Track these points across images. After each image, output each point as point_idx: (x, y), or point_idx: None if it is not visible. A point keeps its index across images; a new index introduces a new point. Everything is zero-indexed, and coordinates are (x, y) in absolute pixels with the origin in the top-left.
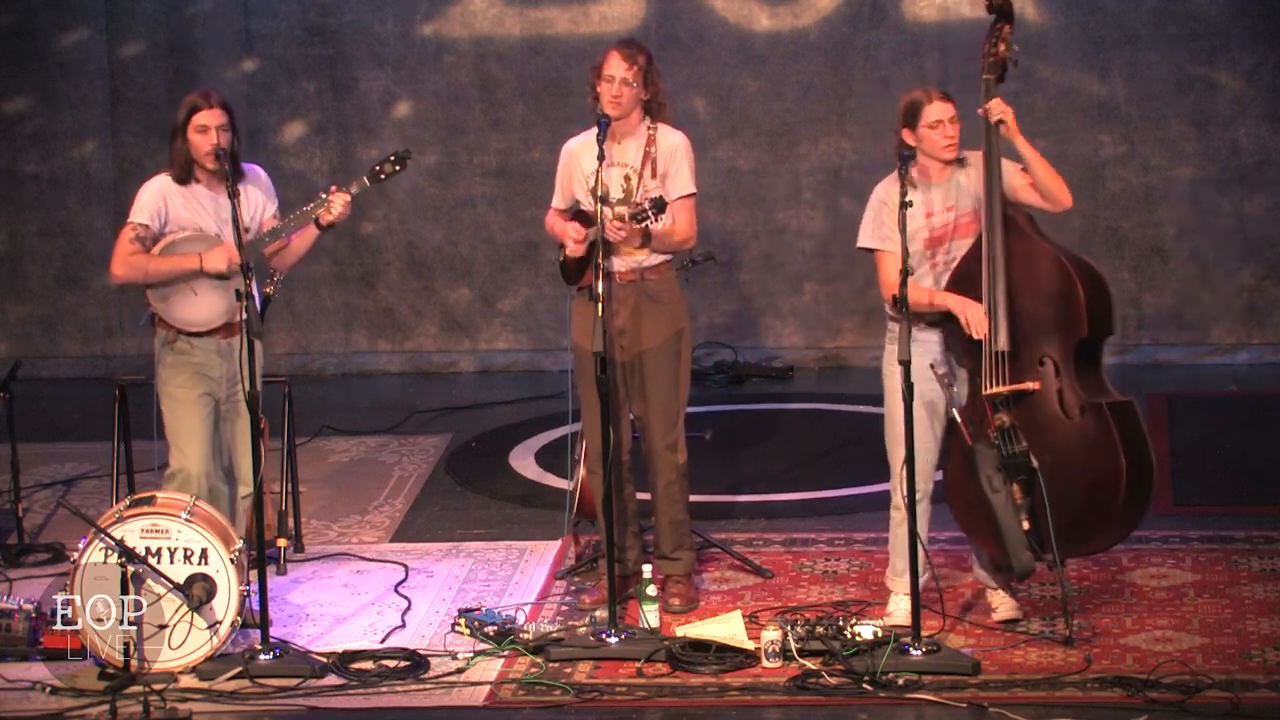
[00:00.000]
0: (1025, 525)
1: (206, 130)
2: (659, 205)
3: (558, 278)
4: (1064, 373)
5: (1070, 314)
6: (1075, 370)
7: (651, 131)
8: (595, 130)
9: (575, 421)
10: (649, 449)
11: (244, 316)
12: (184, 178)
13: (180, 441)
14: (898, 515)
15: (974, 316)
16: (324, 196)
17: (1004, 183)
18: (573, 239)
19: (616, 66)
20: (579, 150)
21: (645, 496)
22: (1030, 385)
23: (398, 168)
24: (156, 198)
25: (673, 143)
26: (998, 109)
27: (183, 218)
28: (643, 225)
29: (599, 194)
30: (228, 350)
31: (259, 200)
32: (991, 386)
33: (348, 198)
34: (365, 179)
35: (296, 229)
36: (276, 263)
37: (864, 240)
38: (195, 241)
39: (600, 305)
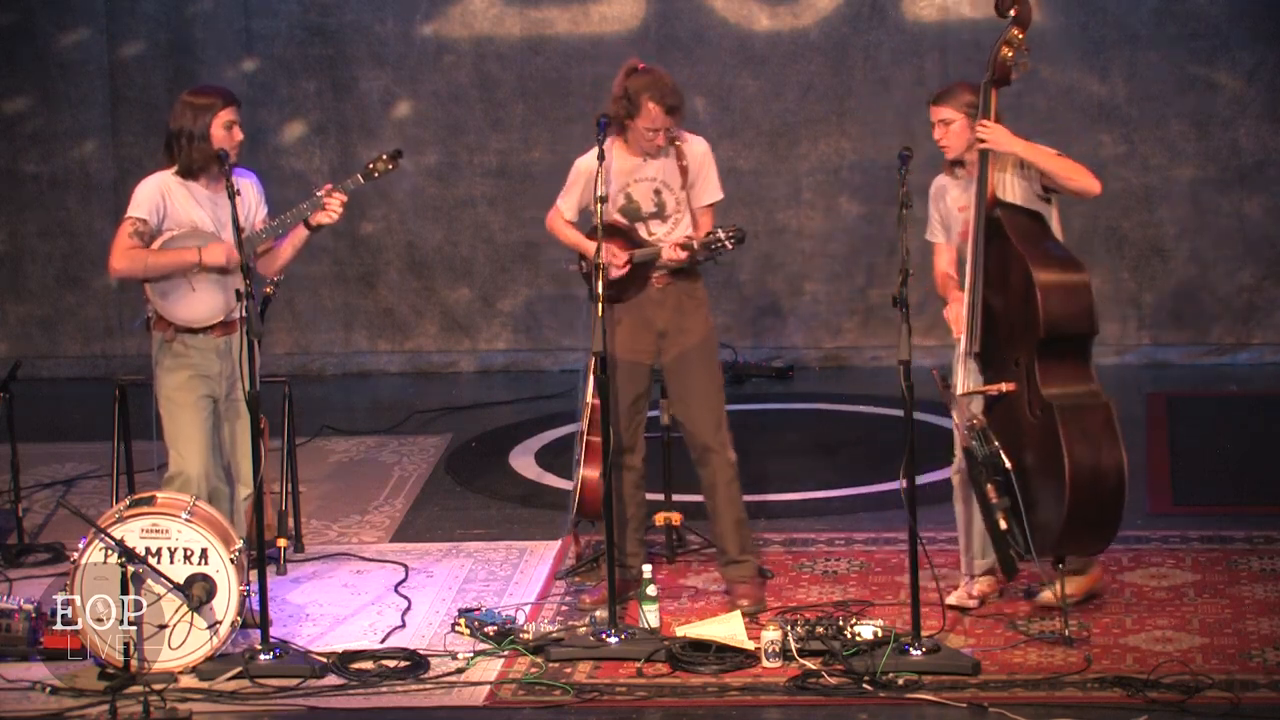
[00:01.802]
0: (1003, 525)
1: (233, 126)
2: (740, 237)
3: (559, 278)
4: (1030, 375)
5: (1030, 317)
6: (1043, 372)
7: (678, 144)
8: (606, 145)
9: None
10: (700, 450)
11: (244, 316)
12: (194, 174)
13: (180, 445)
14: (956, 479)
15: (952, 314)
16: (318, 195)
17: (1036, 174)
18: (614, 264)
19: (660, 120)
20: (596, 168)
21: (696, 498)
22: (1000, 387)
23: (390, 165)
24: (156, 194)
25: (700, 151)
26: (981, 134)
27: (180, 215)
28: (714, 255)
29: (599, 196)
30: (225, 349)
31: (253, 202)
32: (965, 387)
33: (344, 198)
34: (359, 176)
35: (291, 227)
36: (262, 267)
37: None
38: (192, 238)
39: (600, 306)
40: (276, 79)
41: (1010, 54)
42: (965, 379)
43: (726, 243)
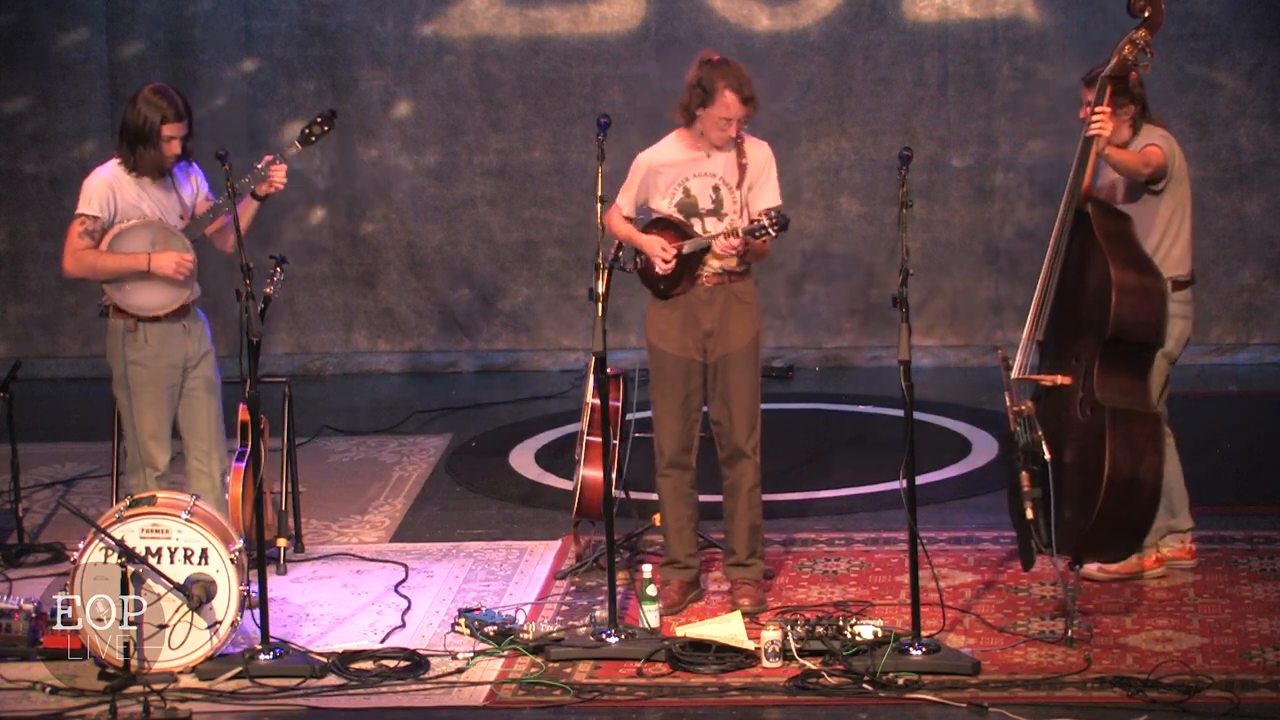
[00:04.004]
0: (1029, 515)
1: (172, 141)
2: (783, 223)
3: (558, 277)
4: (1088, 373)
5: (1100, 315)
6: (1102, 373)
7: (740, 143)
8: (669, 139)
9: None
10: (732, 452)
11: (244, 316)
12: (141, 171)
13: (148, 442)
14: None
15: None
16: (259, 168)
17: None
18: (662, 258)
19: (736, 109)
20: (658, 163)
21: (715, 498)
22: (1054, 379)
23: (326, 128)
24: (105, 189)
25: (764, 155)
26: (1093, 125)
27: (129, 207)
28: (760, 240)
29: (602, 196)
30: (184, 333)
31: (195, 186)
32: (1020, 372)
33: (285, 167)
34: (297, 143)
35: (238, 200)
36: (219, 242)
37: None
38: (141, 230)
39: (601, 306)
40: (276, 79)
41: (1132, 53)
42: (1021, 364)
43: (770, 229)
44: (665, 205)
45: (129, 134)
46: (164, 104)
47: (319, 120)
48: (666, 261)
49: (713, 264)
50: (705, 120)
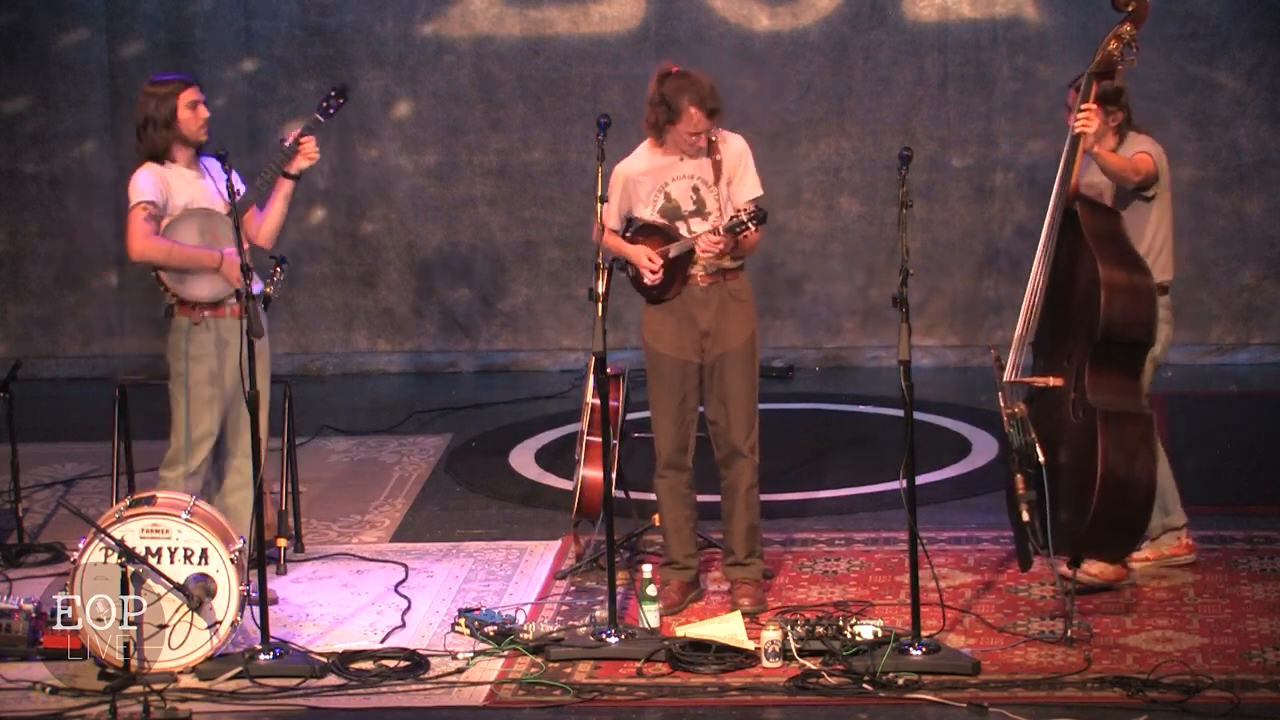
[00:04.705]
0: (1025, 517)
1: (197, 105)
2: (761, 217)
3: (558, 277)
4: (1079, 375)
5: (1090, 316)
6: (1093, 374)
7: (713, 139)
8: (642, 148)
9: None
10: (730, 452)
11: (245, 317)
12: (162, 159)
13: (200, 443)
14: None
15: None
16: (288, 145)
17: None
18: (649, 268)
19: (702, 124)
20: (634, 173)
21: (714, 498)
22: (1046, 381)
23: (341, 100)
24: (155, 178)
25: (737, 148)
26: (1079, 122)
27: (176, 199)
28: (741, 235)
29: (601, 196)
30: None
31: (233, 181)
32: (1012, 374)
33: (314, 139)
34: (317, 115)
35: (271, 185)
36: (262, 238)
37: None
38: (190, 219)
39: (601, 306)
40: (276, 79)
41: (1118, 48)
42: (1013, 366)
43: (749, 223)
44: (648, 213)
45: (152, 124)
46: (169, 84)
47: (334, 93)
48: (654, 272)
49: (704, 263)
50: (674, 135)
